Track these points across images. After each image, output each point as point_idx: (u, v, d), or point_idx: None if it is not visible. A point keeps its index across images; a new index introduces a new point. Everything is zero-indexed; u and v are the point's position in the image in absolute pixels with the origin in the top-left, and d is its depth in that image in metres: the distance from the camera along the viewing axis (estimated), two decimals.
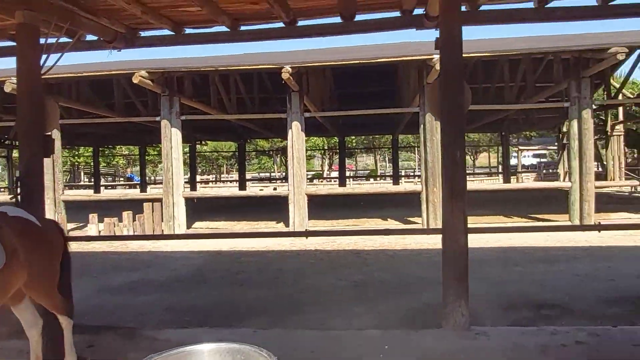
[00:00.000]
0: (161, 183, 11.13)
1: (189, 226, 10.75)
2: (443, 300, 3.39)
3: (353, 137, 36.17)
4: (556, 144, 22.32)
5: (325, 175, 37.31)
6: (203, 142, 24.84)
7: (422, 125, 9.75)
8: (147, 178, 30.54)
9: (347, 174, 32.95)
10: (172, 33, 4.91)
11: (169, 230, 10.12)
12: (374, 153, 43.28)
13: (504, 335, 3.21)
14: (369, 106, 13.07)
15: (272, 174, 39.37)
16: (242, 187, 22.00)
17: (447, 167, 3.21)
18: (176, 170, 10.13)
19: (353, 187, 22.32)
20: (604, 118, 15.26)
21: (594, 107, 10.61)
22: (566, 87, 9.67)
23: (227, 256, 7.38)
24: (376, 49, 12.03)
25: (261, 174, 41.57)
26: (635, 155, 21.37)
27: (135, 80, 9.49)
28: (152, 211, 10.36)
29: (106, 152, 35.08)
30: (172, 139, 10.13)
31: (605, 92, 14.53)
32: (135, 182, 30.71)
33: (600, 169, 16.84)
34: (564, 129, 16.06)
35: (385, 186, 22.36)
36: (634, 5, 4.14)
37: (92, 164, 27.89)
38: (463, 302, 3.34)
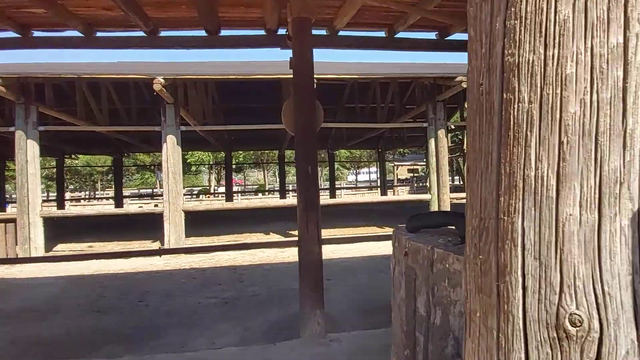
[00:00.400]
0: None
1: (50, 249, 9.64)
2: (300, 310, 3.50)
3: (241, 152, 35.87)
4: (424, 160, 24.68)
5: (213, 191, 36.34)
6: (73, 156, 22.55)
7: None
8: (7, 196, 26.73)
9: (236, 189, 32.47)
10: (18, 35, 4.49)
11: (24, 254, 8.95)
12: (263, 168, 43.35)
13: (355, 340, 3.42)
14: (256, 121, 13.08)
15: (155, 190, 37.17)
16: (119, 204, 20.42)
17: (301, 180, 3.35)
18: (32, 187, 9.05)
19: (234, 202, 22.09)
20: (461, 137, 17.31)
21: (453, 127, 11.97)
22: (425, 109, 10.78)
23: (90, 280, 6.75)
24: (258, 65, 12.15)
25: (142, 191, 39.04)
26: None
27: None
28: (6, 233, 9.11)
29: None
30: (28, 152, 9.05)
31: (459, 115, 16.52)
32: None
33: (462, 183, 19.01)
34: None
35: (266, 201, 22.53)
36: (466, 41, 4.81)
37: None
38: (319, 311, 3.49)
